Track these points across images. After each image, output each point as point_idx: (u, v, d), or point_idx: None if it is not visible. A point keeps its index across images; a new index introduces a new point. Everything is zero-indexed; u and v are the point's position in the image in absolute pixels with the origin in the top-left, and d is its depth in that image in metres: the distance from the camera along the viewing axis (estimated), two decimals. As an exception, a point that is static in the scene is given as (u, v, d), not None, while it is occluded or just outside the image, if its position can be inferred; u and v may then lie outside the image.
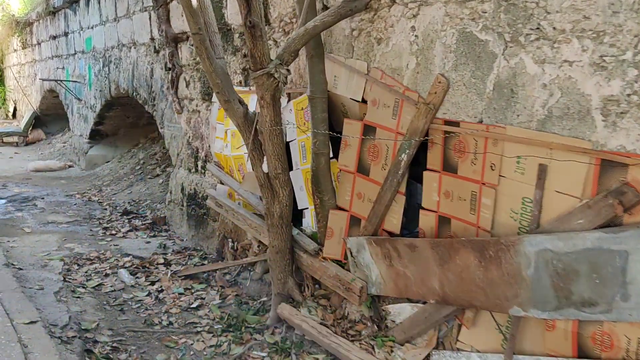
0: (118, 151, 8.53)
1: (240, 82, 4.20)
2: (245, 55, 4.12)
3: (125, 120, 8.43)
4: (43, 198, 6.67)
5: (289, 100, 3.60)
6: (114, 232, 5.27)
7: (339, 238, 3.07)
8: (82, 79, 8.67)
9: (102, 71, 7.65)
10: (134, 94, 6.48)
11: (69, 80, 9.04)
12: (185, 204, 5.12)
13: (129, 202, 6.39)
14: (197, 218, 4.88)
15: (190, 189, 5.02)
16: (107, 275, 4.20)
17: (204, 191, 4.76)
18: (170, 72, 5.31)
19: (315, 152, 3.02)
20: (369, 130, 2.90)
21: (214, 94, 4.42)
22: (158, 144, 7.93)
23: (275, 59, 2.61)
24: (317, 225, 3.20)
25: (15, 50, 14.95)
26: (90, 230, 5.36)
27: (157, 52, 5.77)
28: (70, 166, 8.96)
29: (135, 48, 6.37)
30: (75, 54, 8.97)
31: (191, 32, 2.62)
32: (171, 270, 4.25)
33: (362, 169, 2.95)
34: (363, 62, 2.95)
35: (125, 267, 4.33)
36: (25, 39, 13.11)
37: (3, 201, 6.31)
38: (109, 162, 8.44)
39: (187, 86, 5.09)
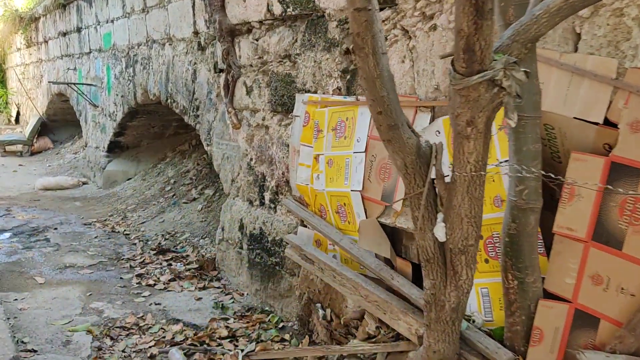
0: (141, 166, 7.45)
1: (339, 89, 3.09)
2: (347, 52, 3.02)
3: (150, 130, 7.36)
4: (56, 228, 5.60)
5: (433, 118, 2.50)
6: (151, 281, 4.18)
7: (552, 345, 1.95)
8: (98, 81, 7.61)
9: (124, 73, 6.58)
10: (169, 101, 5.39)
11: (83, 84, 7.99)
12: (245, 246, 4.02)
13: (162, 235, 5.30)
14: (265, 268, 3.77)
15: (254, 229, 3.92)
16: (153, 357, 3.10)
17: (277, 234, 3.65)
18: (225, 74, 4.22)
19: (520, 207, 1.90)
20: (622, 172, 1.78)
21: (299, 105, 3.32)
22: (190, 158, 6.84)
23: (496, 53, 1.50)
24: (507, 320, 2.08)
25: (18, 50, 13.97)
26: (121, 278, 4.27)
27: (202, 49, 4.68)
28: (84, 183, 7.91)
29: (171, 45, 5.28)
30: (90, 52, 7.92)
31: (351, 6, 1.52)
32: (241, 351, 3.14)
33: (605, 236, 1.83)
34: (607, 58, 1.83)
35: (177, 344, 3.23)
36: (30, 37, 12.11)
37: (7, 235, 5.23)
38: (130, 179, 7.37)
39: (248, 93, 4.00)
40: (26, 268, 4.36)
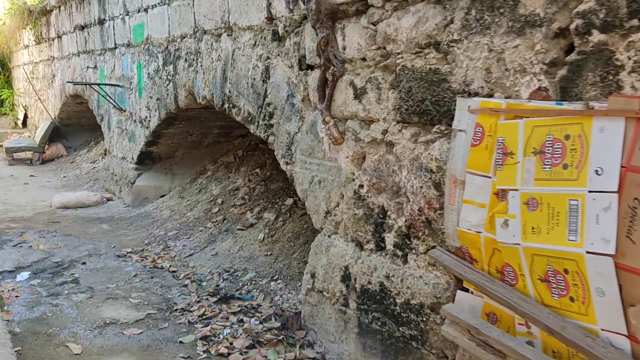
0: (176, 181, 6.47)
1: (544, 91, 2.08)
2: (560, 34, 2.01)
3: (187, 139, 6.38)
4: (84, 263, 4.62)
5: None
6: (223, 348, 3.18)
7: None
8: (126, 82, 6.63)
9: (161, 71, 5.59)
10: (226, 106, 4.40)
11: (108, 84, 7.01)
12: (353, 305, 3.01)
13: (218, 273, 4.30)
14: (391, 340, 2.76)
15: (369, 282, 2.91)
16: None
17: (412, 295, 2.64)
18: (320, 72, 3.21)
19: None
20: None
21: (463, 113, 2.32)
22: (238, 173, 5.85)
23: None
24: None
25: (26, 47, 13.06)
26: (180, 342, 3.27)
27: (279, 39, 3.68)
28: (108, 199, 6.93)
29: (230, 35, 4.29)
30: (115, 48, 6.94)
31: None
32: None
33: None
34: None
35: None
36: (40, 32, 11.17)
37: (26, 274, 4.25)
38: (164, 196, 6.38)
39: (357, 97, 3.00)
40: (55, 327, 3.37)
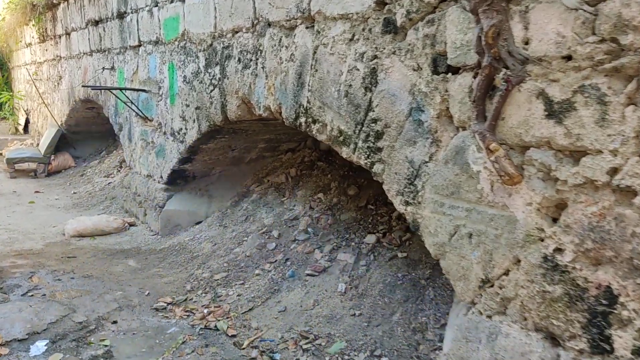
0: (214, 205, 5.46)
1: None
2: None
3: (227, 155, 5.37)
4: (115, 322, 3.62)
5: None
6: None
7: None
8: (153, 86, 5.62)
9: (203, 74, 4.58)
10: (302, 120, 3.38)
11: (129, 89, 5.99)
12: None
13: (294, 340, 3.30)
14: None
15: (583, 402, 1.90)
16: None
17: None
18: (482, 76, 2.20)
19: None
20: None
21: None
22: (294, 198, 4.83)
23: None
24: None
25: (28, 45, 12.06)
26: None
27: (394, 32, 2.68)
28: (131, 224, 5.91)
29: (311, 28, 3.28)
30: (139, 45, 5.93)
31: None
32: None
33: None
34: None
35: None
36: (45, 29, 10.16)
37: (43, 346, 3.23)
38: (199, 223, 5.37)
39: (552, 115, 2.00)
40: None
